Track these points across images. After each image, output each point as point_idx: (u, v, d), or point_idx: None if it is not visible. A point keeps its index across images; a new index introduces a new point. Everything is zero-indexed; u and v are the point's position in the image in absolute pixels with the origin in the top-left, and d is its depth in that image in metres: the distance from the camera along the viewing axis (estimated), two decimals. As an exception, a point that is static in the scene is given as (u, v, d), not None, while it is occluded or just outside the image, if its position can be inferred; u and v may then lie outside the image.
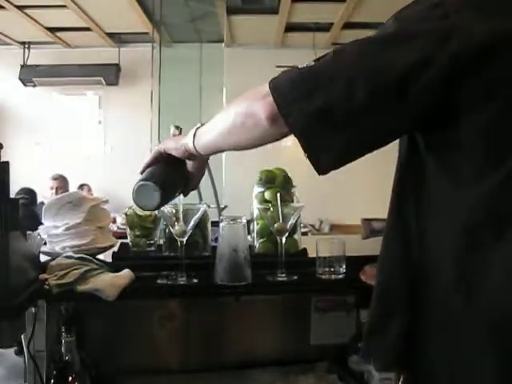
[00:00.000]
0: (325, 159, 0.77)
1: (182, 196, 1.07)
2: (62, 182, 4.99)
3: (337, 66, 0.75)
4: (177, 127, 1.11)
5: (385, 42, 0.74)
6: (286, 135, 0.80)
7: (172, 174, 0.98)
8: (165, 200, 0.95)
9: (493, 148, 0.72)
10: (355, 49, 0.75)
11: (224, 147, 0.91)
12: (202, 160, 0.99)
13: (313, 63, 0.76)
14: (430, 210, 0.79)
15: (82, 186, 5.32)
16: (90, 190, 5.39)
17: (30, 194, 4.36)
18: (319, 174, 0.80)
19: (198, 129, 0.93)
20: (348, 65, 0.74)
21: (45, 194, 4.81)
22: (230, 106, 0.85)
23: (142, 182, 0.94)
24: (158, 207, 0.96)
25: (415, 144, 0.81)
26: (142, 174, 0.98)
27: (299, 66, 0.77)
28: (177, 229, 1.15)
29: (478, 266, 0.73)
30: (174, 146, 0.96)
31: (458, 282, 0.74)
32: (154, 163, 0.99)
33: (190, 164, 1.00)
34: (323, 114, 0.73)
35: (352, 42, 0.76)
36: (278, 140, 0.83)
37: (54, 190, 4.88)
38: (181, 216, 1.14)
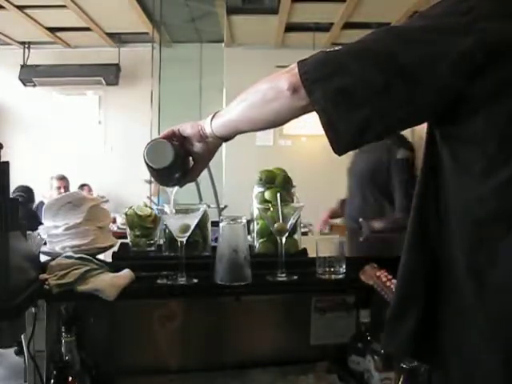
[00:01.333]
0: (343, 136, 0.79)
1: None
2: (67, 182, 5.04)
3: (361, 51, 0.78)
4: None
5: (408, 33, 0.77)
6: (305, 110, 0.81)
7: (180, 151, 0.96)
8: (175, 163, 0.93)
9: (504, 144, 0.74)
10: (379, 37, 0.79)
11: (241, 125, 0.91)
12: (212, 146, 0.97)
13: (339, 47, 0.80)
14: (446, 203, 0.81)
15: (82, 186, 5.33)
16: (90, 190, 5.41)
17: (27, 192, 4.37)
18: (337, 152, 0.81)
19: (217, 112, 0.94)
20: (372, 51, 0.77)
21: (45, 193, 4.82)
22: (252, 87, 0.87)
23: (155, 140, 0.93)
24: (170, 166, 0.93)
25: (433, 138, 0.83)
26: None
27: (326, 50, 0.80)
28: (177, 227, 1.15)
29: (488, 259, 0.74)
30: (190, 125, 0.96)
31: (468, 274, 0.76)
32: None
33: (198, 147, 0.97)
34: (344, 92, 0.76)
35: (377, 30, 0.79)
36: (297, 116, 0.83)
37: (62, 189, 4.95)
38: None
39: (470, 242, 0.76)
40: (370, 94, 0.76)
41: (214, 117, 0.93)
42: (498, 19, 0.73)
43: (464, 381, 0.78)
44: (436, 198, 0.83)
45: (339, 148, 0.80)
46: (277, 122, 0.86)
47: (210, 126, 0.93)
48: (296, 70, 0.79)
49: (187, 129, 0.97)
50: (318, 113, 0.79)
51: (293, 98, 0.80)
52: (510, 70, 0.72)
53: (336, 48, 0.80)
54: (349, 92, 0.76)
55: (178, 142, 0.97)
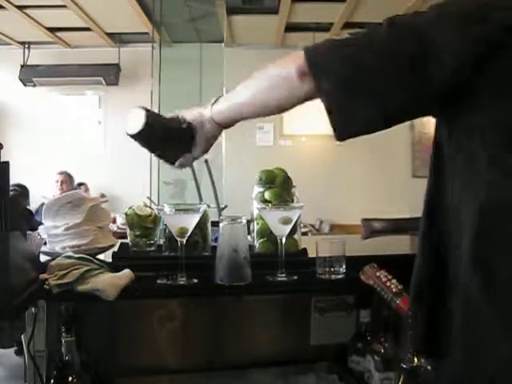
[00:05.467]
0: (347, 122, 0.79)
1: (182, 197, 1.06)
2: (66, 177, 5.09)
3: (369, 40, 0.80)
4: None
5: (418, 24, 0.77)
6: (310, 95, 0.81)
7: (171, 127, 0.98)
8: (147, 131, 0.94)
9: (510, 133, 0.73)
10: (387, 26, 0.79)
11: (246, 110, 0.90)
12: (208, 132, 0.97)
13: (347, 35, 0.81)
14: (453, 196, 0.82)
15: (79, 185, 5.33)
16: (87, 189, 5.41)
17: (20, 188, 4.36)
18: (338, 138, 0.81)
19: (219, 97, 0.94)
20: (380, 40, 0.78)
21: (45, 194, 4.82)
22: (258, 72, 0.88)
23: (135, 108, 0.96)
24: (140, 133, 0.94)
25: (439, 134, 0.84)
26: None
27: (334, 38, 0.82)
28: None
29: (494, 248, 0.74)
30: (190, 111, 0.97)
31: (475, 264, 0.75)
32: None
33: (198, 133, 0.98)
34: (350, 79, 0.77)
35: (387, 19, 0.80)
36: (301, 100, 0.84)
37: (58, 183, 5.05)
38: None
39: (476, 230, 0.75)
40: (373, 84, 0.77)
41: (215, 102, 0.93)
42: (504, 9, 0.73)
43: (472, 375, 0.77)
44: (443, 191, 0.83)
45: (338, 134, 0.81)
46: (282, 106, 0.86)
47: (210, 111, 0.93)
48: (303, 54, 0.80)
49: (187, 115, 0.97)
50: (321, 98, 0.79)
51: (301, 84, 0.80)
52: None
53: (344, 36, 0.81)
54: (353, 80, 0.77)
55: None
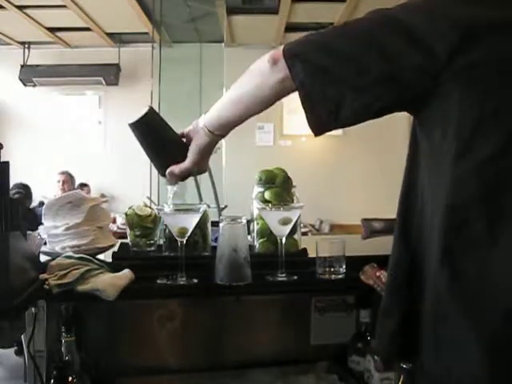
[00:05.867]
0: (318, 113, 0.79)
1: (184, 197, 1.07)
2: (67, 177, 5.13)
3: (345, 30, 0.81)
4: None
5: (391, 17, 0.78)
6: (284, 85, 0.80)
7: (170, 131, 1.01)
8: (145, 123, 0.98)
9: (478, 125, 0.73)
10: (365, 19, 0.80)
11: (225, 109, 0.90)
12: (202, 141, 0.95)
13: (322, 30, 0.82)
14: (424, 192, 0.81)
15: (82, 186, 5.33)
16: (89, 191, 5.41)
17: (24, 189, 4.37)
18: (313, 130, 0.80)
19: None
20: (355, 31, 0.79)
21: (45, 194, 4.83)
22: None
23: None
24: (139, 121, 0.98)
25: (414, 130, 0.84)
26: None
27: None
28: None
29: (463, 246, 0.73)
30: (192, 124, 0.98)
31: (443, 262, 0.74)
32: None
33: (191, 143, 0.97)
34: (323, 68, 0.77)
35: (366, 14, 0.80)
36: (278, 92, 0.82)
37: (60, 183, 5.12)
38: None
39: (444, 228, 0.75)
40: (348, 72, 0.77)
41: (207, 111, 0.94)
42: (469, 5, 0.75)
43: (443, 380, 0.76)
44: (416, 188, 0.83)
45: (315, 126, 0.80)
46: (259, 99, 0.85)
47: (204, 119, 0.93)
48: (281, 47, 0.81)
49: (188, 128, 0.98)
50: (296, 87, 0.79)
51: (272, 70, 0.80)
52: (480, 54, 0.72)
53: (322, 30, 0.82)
54: (328, 68, 0.77)
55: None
